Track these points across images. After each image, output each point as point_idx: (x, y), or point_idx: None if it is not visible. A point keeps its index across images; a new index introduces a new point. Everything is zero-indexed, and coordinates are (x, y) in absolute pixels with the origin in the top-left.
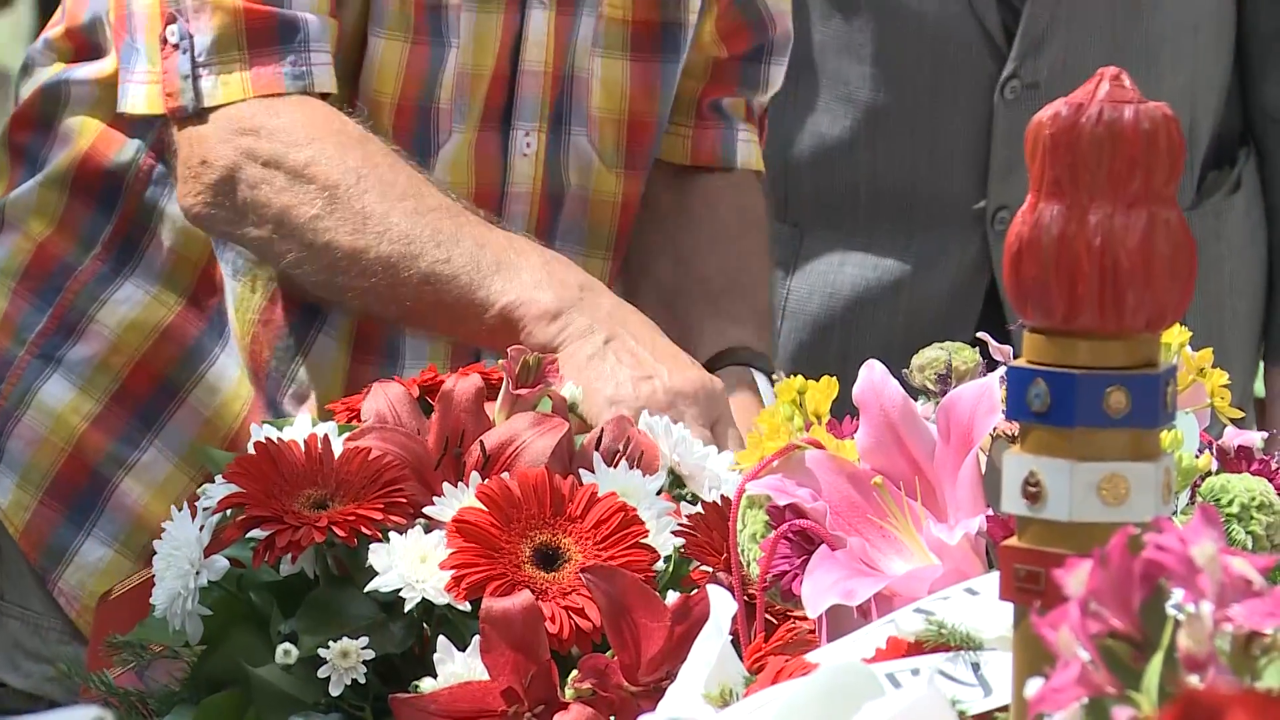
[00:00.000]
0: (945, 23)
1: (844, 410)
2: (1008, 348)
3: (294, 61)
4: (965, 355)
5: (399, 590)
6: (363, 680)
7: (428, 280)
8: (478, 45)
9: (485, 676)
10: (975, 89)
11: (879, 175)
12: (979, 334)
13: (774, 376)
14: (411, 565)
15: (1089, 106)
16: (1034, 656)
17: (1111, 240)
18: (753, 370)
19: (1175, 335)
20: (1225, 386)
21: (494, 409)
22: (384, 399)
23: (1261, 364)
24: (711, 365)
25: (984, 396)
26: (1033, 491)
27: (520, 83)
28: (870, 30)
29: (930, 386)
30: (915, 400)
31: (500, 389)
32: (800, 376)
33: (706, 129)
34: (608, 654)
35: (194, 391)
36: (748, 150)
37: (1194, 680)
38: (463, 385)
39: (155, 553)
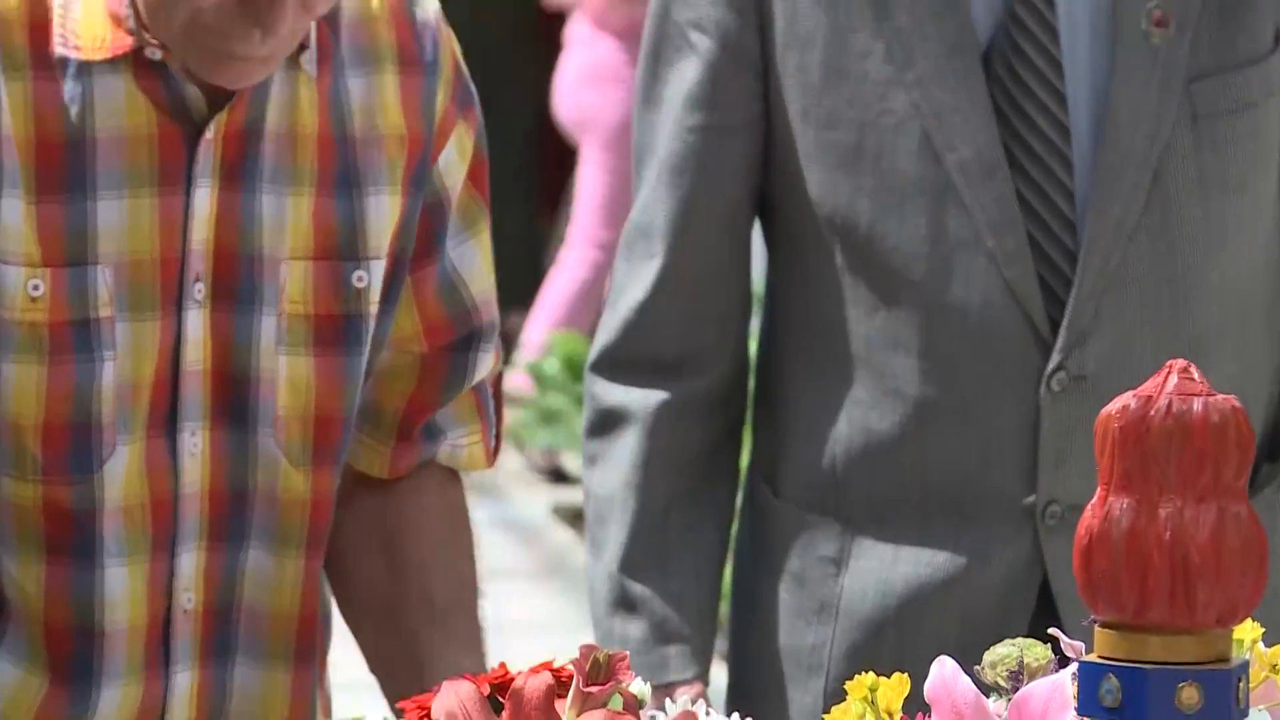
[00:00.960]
0: (990, 314)
1: (913, 709)
2: (1080, 644)
3: None
4: (1037, 652)
5: None
6: None
7: None
8: (136, 354)
9: None
10: (1022, 381)
11: (928, 470)
12: (1050, 630)
13: None
14: None
15: (1158, 399)
16: None
17: (1182, 534)
18: None
19: (1248, 631)
20: None
21: (564, 706)
22: (454, 698)
23: None
24: None
25: (1056, 693)
26: None
27: (182, 384)
28: (915, 323)
29: (1002, 683)
30: (987, 697)
31: (571, 686)
32: (871, 674)
33: (409, 447)
34: None
35: None
36: (454, 454)
37: None
38: (533, 683)
39: None
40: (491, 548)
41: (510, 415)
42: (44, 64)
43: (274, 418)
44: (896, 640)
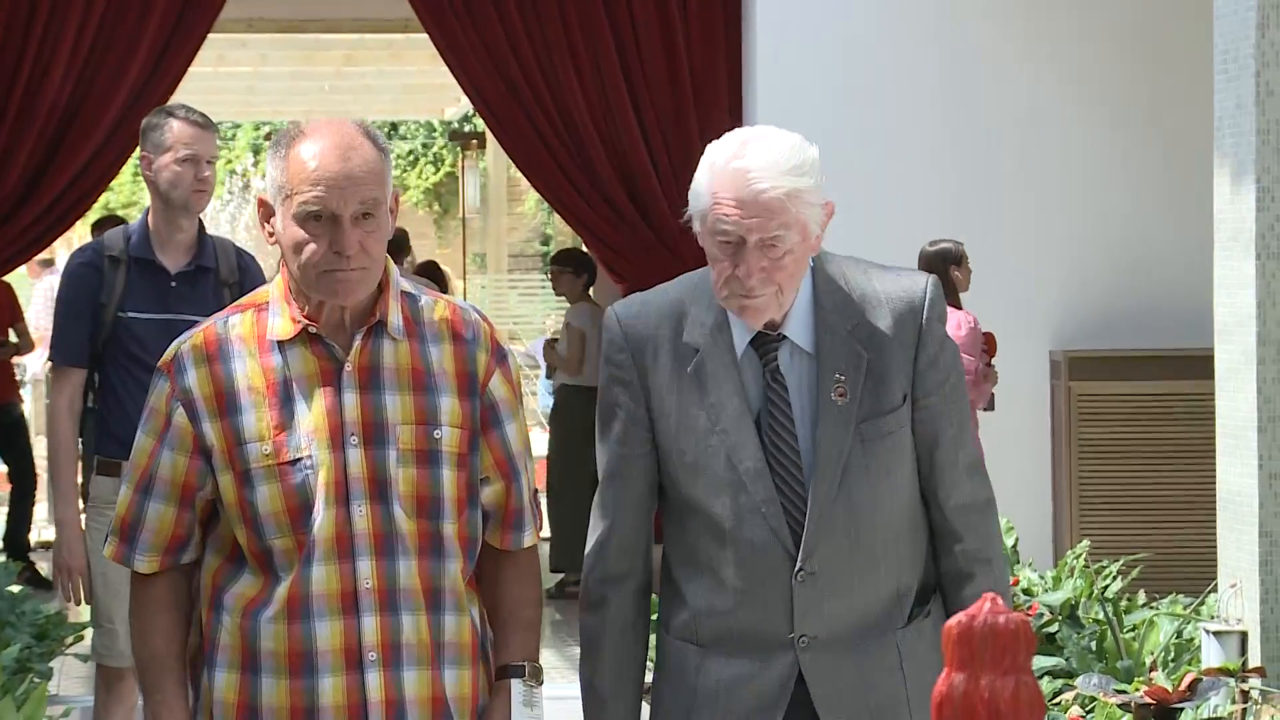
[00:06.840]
0: (765, 544)
1: None
2: None
3: None
4: None
5: None
6: None
7: None
8: (326, 469)
9: None
10: (783, 575)
11: (739, 620)
12: None
13: None
14: None
15: (979, 616)
16: None
17: (994, 694)
18: None
19: None
20: None
21: None
22: None
23: None
24: None
25: None
26: None
27: (350, 484)
28: (730, 549)
29: None
30: None
31: None
32: None
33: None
34: None
35: None
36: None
37: None
38: None
39: None
40: None
41: None
42: (266, 349)
43: (399, 495)
44: (725, 709)
